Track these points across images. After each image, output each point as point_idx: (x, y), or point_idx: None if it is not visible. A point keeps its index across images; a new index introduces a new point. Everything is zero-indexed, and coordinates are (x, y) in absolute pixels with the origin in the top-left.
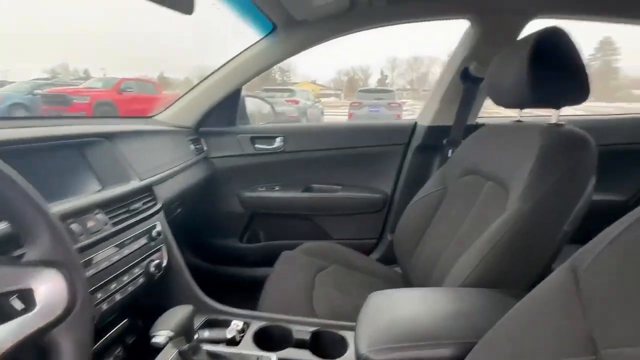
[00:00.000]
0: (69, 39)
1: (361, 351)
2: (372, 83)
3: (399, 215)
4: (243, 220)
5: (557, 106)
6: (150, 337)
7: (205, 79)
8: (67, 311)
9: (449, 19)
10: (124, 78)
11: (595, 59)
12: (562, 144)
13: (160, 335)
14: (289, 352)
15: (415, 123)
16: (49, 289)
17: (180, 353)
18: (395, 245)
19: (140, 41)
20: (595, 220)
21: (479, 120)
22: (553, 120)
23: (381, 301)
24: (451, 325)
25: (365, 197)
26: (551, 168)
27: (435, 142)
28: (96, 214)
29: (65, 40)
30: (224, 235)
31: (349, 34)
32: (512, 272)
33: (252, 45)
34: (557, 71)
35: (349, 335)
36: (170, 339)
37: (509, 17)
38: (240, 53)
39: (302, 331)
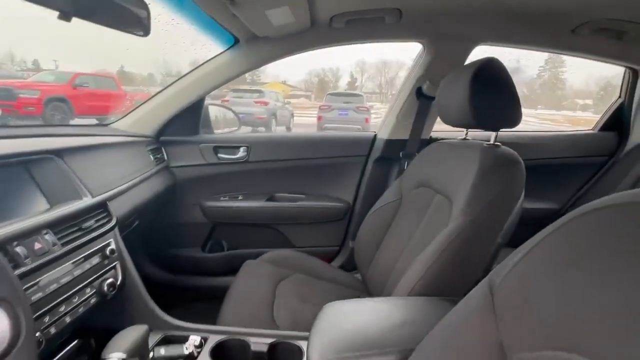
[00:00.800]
0: (14, 24)
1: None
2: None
3: (360, 223)
4: (205, 229)
5: (495, 129)
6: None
7: (167, 87)
8: (10, 347)
9: (404, 41)
10: (79, 72)
11: (545, 70)
12: (498, 164)
13: (113, 358)
14: None
15: (375, 136)
16: None
17: None
18: (356, 253)
19: (98, 31)
20: (531, 227)
21: (434, 135)
22: (492, 141)
23: (334, 313)
24: (396, 333)
25: (327, 206)
26: (488, 186)
27: (393, 154)
28: (44, 234)
29: (10, 25)
30: (186, 245)
31: (310, 50)
32: (454, 281)
33: (215, 56)
34: (494, 98)
35: (305, 345)
36: (129, 357)
37: (457, 43)
38: (203, 63)
39: (260, 343)
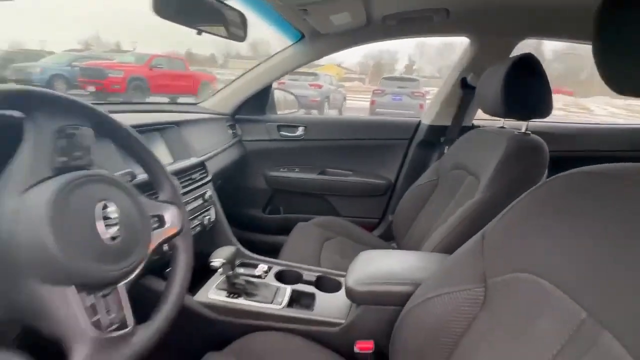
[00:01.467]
0: (99, 11)
1: (348, 284)
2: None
3: (400, 199)
4: (267, 195)
5: (526, 118)
6: (209, 262)
7: (242, 74)
8: (181, 229)
9: (451, 36)
10: (155, 54)
11: None
12: (521, 149)
13: (217, 260)
14: (299, 286)
15: (419, 122)
16: (172, 216)
17: (227, 276)
18: (394, 225)
19: None
20: None
21: (475, 122)
22: (522, 130)
23: (366, 257)
24: (413, 272)
25: (371, 182)
26: (509, 167)
27: (435, 139)
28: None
29: (97, 11)
30: (250, 207)
31: (365, 44)
32: None
33: (284, 49)
34: (526, 90)
35: (343, 280)
36: (222, 264)
37: (501, 37)
38: (274, 55)
39: (310, 274)
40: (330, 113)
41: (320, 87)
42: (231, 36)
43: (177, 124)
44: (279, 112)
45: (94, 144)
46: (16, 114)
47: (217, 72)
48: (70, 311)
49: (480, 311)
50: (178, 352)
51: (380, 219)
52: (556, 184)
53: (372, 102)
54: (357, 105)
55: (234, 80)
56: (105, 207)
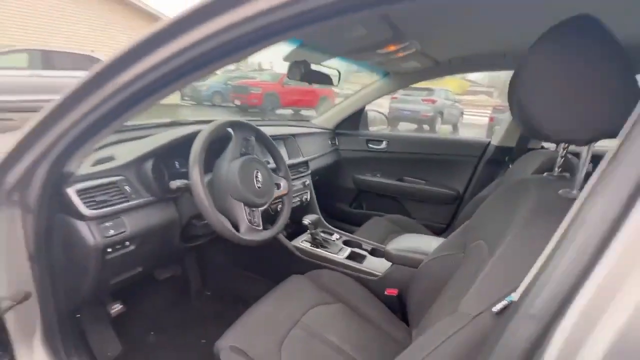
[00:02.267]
0: None
1: (386, 249)
2: None
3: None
4: (354, 193)
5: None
6: (302, 221)
7: (342, 101)
8: (287, 192)
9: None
10: (286, 73)
11: None
12: None
13: (306, 219)
14: (357, 249)
15: (489, 142)
16: (284, 185)
17: (311, 233)
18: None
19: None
20: None
21: (544, 144)
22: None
23: (405, 236)
24: (429, 248)
25: (442, 192)
26: None
27: (501, 158)
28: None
29: None
30: (341, 201)
31: (440, 77)
32: None
33: (374, 82)
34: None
35: None
36: (311, 223)
37: None
38: (367, 86)
39: (367, 245)
40: (443, 129)
41: (433, 102)
42: (329, 83)
43: (294, 135)
44: (371, 128)
45: (255, 145)
46: (229, 130)
47: (330, 89)
48: (241, 213)
49: (460, 266)
50: (278, 271)
51: (448, 225)
52: (503, 188)
53: (491, 119)
54: (476, 120)
55: (336, 105)
56: (257, 172)
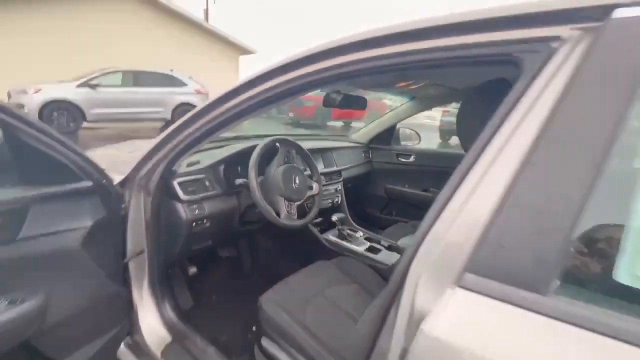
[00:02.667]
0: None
1: (397, 242)
2: None
3: None
4: (384, 201)
5: None
6: (331, 218)
7: (377, 119)
8: (317, 193)
9: None
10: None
11: None
12: None
13: (336, 216)
14: (375, 244)
15: None
16: (315, 187)
17: (338, 228)
18: None
19: None
20: None
21: None
22: None
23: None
24: None
25: None
26: None
27: None
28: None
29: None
30: (373, 207)
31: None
32: None
33: (403, 104)
34: None
35: None
36: (338, 219)
37: None
38: (397, 107)
39: (385, 243)
40: None
41: None
42: (362, 107)
43: (331, 149)
44: (405, 142)
45: (295, 156)
46: (277, 144)
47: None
48: (282, 205)
49: None
50: (309, 257)
51: None
52: None
53: None
54: None
55: (370, 123)
56: (295, 177)
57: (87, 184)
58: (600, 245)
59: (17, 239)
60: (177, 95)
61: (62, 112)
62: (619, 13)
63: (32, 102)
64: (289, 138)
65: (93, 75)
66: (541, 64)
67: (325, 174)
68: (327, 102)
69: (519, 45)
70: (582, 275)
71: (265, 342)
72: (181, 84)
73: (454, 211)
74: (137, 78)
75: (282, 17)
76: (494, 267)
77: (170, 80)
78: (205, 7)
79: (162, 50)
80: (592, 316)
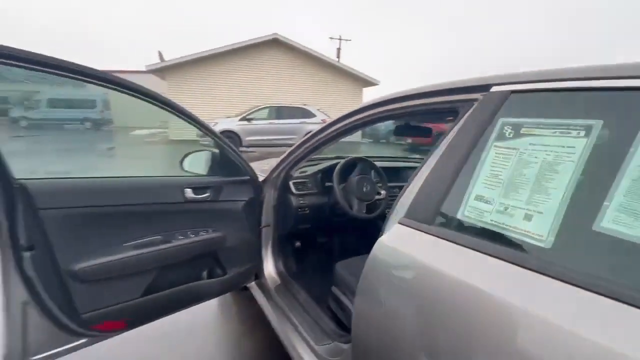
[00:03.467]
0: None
1: None
2: None
3: None
4: None
5: None
6: None
7: None
8: (384, 197)
9: None
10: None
11: None
12: None
13: None
14: None
15: None
16: (382, 193)
17: None
18: None
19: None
20: None
21: None
22: None
23: None
24: None
25: None
26: None
27: None
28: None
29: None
30: None
31: None
32: None
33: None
34: None
35: None
36: None
37: None
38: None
39: None
40: None
41: None
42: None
43: (406, 169)
44: None
45: (371, 170)
46: (355, 161)
47: None
48: (355, 204)
49: None
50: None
51: None
52: None
53: None
54: None
55: None
56: (366, 184)
57: (246, 177)
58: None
59: (217, 200)
60: (307, 125)
61: (228, 139)
62: (493, 88)
63: None
64: (365, 157)
65: (249, 112)
66: (466, 110)
67: (393, 186)
68: (397, 132)
69: (456, 103)
70: (444, 216)
71: (334, 289)
72: (311, 115)
73: (407, 190)
74: (278, 112)
75: (404, 50)
76: (414, 213)
77: (303, 113)
78: (338, 47)
79: (300, 87)
80: (452, 235)
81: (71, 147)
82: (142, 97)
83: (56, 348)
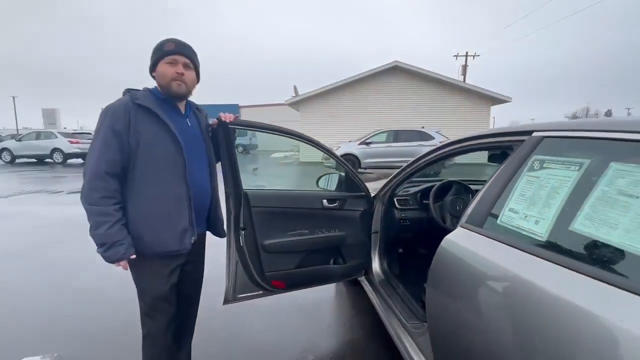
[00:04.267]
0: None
1: None
2: None
3: None
4: None
5: None
6: None
7: None
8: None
9: None
10: None
11: None
12: None
13: None
14: None
15: None
16: None
17: None
18: None
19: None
20: None
21: None
22: None
23: None
24: None
25: None
26: None
27: None
28: None
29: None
30: None
31: None
32: None
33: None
34: None
35: None
36: None
37: None
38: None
39: None
40: None
41: None
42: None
43: None
44: None
45: (462, 191)
46: (450, 184)
47: None
48: (448, 219)
49: None
50: None
51: None
52: None
53: None
54: None
55: None
56: (459, 202)
57: (362, 193)
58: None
59: (342, 208)
60: (424, 147)
61: (348, 161)
62: (534, 133)
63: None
64: (460, 180)
65: (368, 136)
66: (517, 147)
67: None
68: (490, 159)
69: (512, 142)
70: (489, 221)
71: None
72: (429, 137)
73: (472, 203)
74: (396, 135)
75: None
76: (471, 219)
77: (420, 136)
78: (464, 64)
79: (421, 109)
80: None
81: None
82: (285, 135)
83: (251, 292)
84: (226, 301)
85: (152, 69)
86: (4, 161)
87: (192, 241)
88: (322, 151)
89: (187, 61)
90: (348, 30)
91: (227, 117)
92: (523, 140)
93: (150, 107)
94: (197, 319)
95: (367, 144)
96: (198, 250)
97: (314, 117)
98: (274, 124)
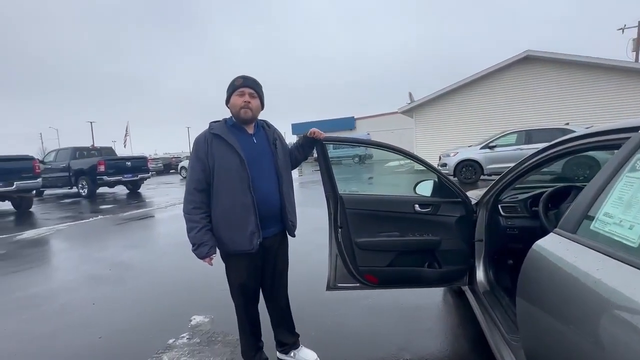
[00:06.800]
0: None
1: None
2: None
3: None
4: None
5: None
6: None
7: None
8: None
9: None
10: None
11: None
12: None
13: None
14: None
15: None
16: None
17: None
18: None
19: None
20: None
21: None
22: None
23: None
24: None
25: None
26: None
27: None
28: None
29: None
30: None
31: None
32: None
33: None
34: None
35: None
36: None
37: None
38: None
39: None
40: None
41: None
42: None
43: None
44: None
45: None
46: (567, 189)
47: None
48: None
49: None
50: None
51: None
52: None
53: None
54: None
55: None
56: None
57: (459, 199)
58: None
59: (436, 214)
60: None
61: (468, 167)
62: None
63: (451, 161)
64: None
65: (492, 138)
66: (623, 146)
67: None
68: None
69: (616, 140)
70: (582, 227)
71: None
72: None
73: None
74: (529, 136)
75: None
76: (564, 225)
77: (563, 134)
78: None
79: (566, 102)
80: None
81: (347, 177)
82: (373, 147)
83: (347, 283)
84: (328, 288)
85: (227, 101)
86: (182, 177)
87: (259, 242)
88: (413, 160)
89: (252, 92)
90: (464, 29)
91: (320, 134)
92: (628, 138)
93: (221, 134)
94: (304, 305)
95: (491, 147)
96: (273, 246)
97: (428, 123)
98: (388, 132)
